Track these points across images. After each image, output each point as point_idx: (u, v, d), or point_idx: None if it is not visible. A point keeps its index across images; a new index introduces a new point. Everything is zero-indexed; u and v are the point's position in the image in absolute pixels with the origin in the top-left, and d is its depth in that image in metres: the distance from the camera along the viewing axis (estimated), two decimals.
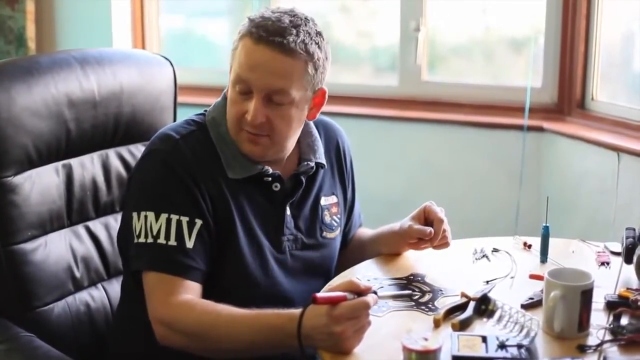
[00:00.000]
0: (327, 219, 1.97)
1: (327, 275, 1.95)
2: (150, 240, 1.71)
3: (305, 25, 1.77)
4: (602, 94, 3.35)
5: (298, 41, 1.74)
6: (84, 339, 1.95)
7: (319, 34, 1.80)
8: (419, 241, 1.95)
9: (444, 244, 1.96)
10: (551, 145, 3.38)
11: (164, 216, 1.72)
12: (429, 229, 1.91)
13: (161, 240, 1.71)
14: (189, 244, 1.72)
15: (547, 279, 1.60)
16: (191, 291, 1.70)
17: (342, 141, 2.06)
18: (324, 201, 1.96)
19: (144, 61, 2.19)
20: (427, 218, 1.95)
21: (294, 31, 1.74)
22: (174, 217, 1.72)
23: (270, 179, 1.84)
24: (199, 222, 1.74)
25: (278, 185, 1.86)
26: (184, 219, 1.72)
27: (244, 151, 1.81)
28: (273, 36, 1.72)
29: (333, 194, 2.00)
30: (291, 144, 1.87)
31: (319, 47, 1.79)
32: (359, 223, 2.16)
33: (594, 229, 3.11)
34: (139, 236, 1.73)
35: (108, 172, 2.06)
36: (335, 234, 1.99)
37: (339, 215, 2.00)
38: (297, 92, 1.77)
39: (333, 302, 1.51)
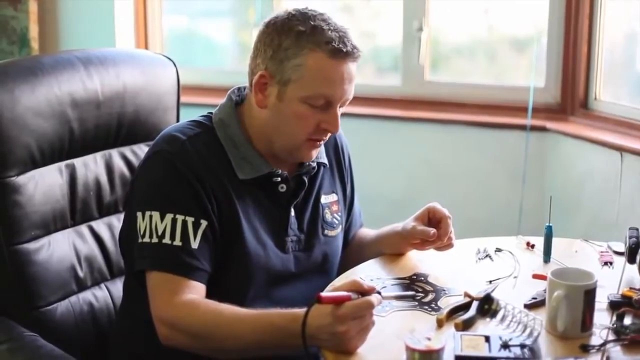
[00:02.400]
0: (328, 217, 1.97)
1: (330, 274, 1.96)
2: (155, 240, 1.72)
3: (348, 30, 1.81)
4: (605, 94, 3.35)
5: (358, 46, 1.79)
6: (88, 339, 1.95)
7: None
8: (422, 242, 1.95)
9: (447, 245, 1.96)
10: (554, 145, 3.38)
11: (169, 216, 1.72)
12: (432, 230, 1.91)
13: (166, 240, 1.71)
14: (194, 244, 1.72)
15: (550, 278, 1.60)
16: (195, 291, 1.70)
17: (340, 139, 2.07)
18: (324, 199, 1.97)
19: (147, 61, 2.20)
20: (431, 218, 1.95)
21: (351, 36, 1.79)
22: (180, 218, 1.72)
23: (279, 179, 1.85)
24: (204, 223, 1.74)
25: (284, 186, 1.86)
26: (189, 220, 1.73)
27: (304, 159, 1.86)
28: (349, 48, 1.75)
29: (333, 192, 2.01)
30: None
31: None
32: (359, 222, 2.16)
33: (597, 229, 3.11)
34: (143, 236, 1.73)
35: (111, 172, 2.06)
36: (337, 232, 2.00)
37: (339, 213, 2.01)
38: None
39: (337, 301, 1.51)
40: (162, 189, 1.76)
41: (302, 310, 1.53)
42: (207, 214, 1.75)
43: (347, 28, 1.80)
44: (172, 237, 1.71)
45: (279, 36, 1.77)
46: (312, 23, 1.76)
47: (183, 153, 1.77)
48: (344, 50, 1.74)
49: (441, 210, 1.95)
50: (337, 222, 2.00)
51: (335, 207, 2.00)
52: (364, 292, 1.54)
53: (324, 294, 1.51)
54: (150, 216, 1.73)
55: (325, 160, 1.96)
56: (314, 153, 1.86)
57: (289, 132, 1.80)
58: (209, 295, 1.72)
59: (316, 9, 1.81)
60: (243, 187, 1.81)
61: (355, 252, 2.09)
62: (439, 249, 1.97)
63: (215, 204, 1.76)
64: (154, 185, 1.78)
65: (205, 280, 1.73)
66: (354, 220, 2.13)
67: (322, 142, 1.85)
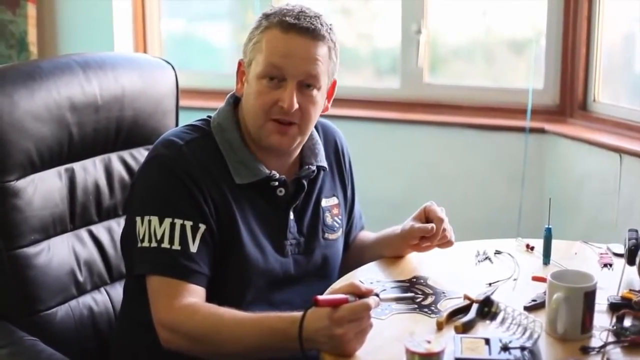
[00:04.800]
0: (329, 220, 1.97)
1: (330, 277, 1.96)
2: (154, 244, 1.72)
3: (321, 16, 1.83)
4: (604, 96, 3.35)
5: (324, 29, 1.80)
6: (87, 343, 1.95)
7: (331, 25, 1.85)
8: (422, 240, 1.95)
9: (447, 243, 1.96)
10: (553, 147, 3.38)
11: (167, 221, 1.72)
12: (430, 225, 1.91)
13: (165, 244, 1.71)
14: (193, 248, 1.72)
15: (550, 280, 1.60)
16: (195, 295, 1.70)
17: (340, 141, 2.07)
18: (324, 203, 1.97)
19: (146, 65, 2.20)
20: (427, 218, 1.96)
21: (318, 20, 1.80)
22: (178, 222, 1.72)
23: (276, 183, 1.85)
24: (202, 227, 1.74)
25: (283, 190, 1.86)
26: (188, 224, 1.73)
27: (270, 143, 1.82)
28: (303, 23, 1.77)
29: (334, 195, 2.01)
30: (307, 136, 1.89)
31: (335, 36, 1.85)
32: (360, 225, 2.16)
33: (596, 231, 3.11)
34: (142, 240, 1.73)
35: (110, 176, 2.06)
36: (337, 235, 2.00)
37: (340, 217, 2.01)
38: (324, 77, 1.83)
39: (334, 304, 1.51)
40: (161, 193, 1.76)
41: (300, 314, 1.53)
42: (206, 218, 1.75)
43: (319, 14, 1.82)
44: (171, 242, 1.72)
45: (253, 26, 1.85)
46: (276, 7, 1.82)
47: (181, 158, 1.77)
48: (298, 25, 1.77)
49: (435, 211, 1.95)
50: (337, 225, 2.00)
51: (335, 211, 2.00)
52: (361, 294, 1.54)
53: (321, 296, 1.51)
54: (149, 221, 1.73)
55: (324, 163, 1.96)
56: (283, 139, 1.82)
57: (253, 112, 1.82)
58: (209, 298, 1.73)
59: (299, 4, 1.85)
60: (241, 191, 1.81)
61: (355, 255, 2.09)
62: (439, 246, 1.97)
63: (213, 208, 1.76)
64: (152, 190, 1.78)
65: (204, 284, 1.74)
66: (355, 223, 2.13)
67: (285, 126, 1.80)
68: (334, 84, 1.91)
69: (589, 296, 1.58)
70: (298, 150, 1.91)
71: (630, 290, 1.76)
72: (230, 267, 1.79)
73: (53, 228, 1.91)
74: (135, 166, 2.09)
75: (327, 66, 1.83)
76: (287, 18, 1.78)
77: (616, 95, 3.39)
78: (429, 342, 1.44)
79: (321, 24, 1.80)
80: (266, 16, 1.82)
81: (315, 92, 1.81)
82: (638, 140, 3.07)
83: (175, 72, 2.22)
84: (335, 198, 2.01)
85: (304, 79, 1.79)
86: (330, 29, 1.83)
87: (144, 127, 2.12)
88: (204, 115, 1.91)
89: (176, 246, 1.72)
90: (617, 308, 1.68)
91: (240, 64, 1.89)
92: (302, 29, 1.77)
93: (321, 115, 1.93)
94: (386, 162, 3.64)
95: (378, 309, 1.59)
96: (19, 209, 1.83)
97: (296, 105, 1.78)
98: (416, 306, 1.73)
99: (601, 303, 1.68)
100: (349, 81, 3.81)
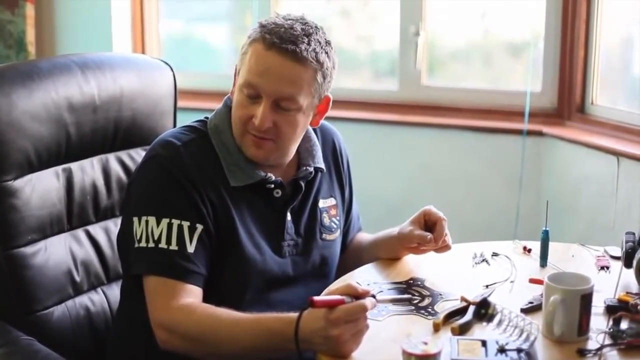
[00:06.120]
0: (326, 221, 1.97)
1: (328, 278, 1.96)
2: (151, 244, 1.72)
3: (316, 34, 1.80)
4: (602, 98, 3.35)
5: (309, 50, 1.76)
6: (84, 343, 1.95)
7: (328, 43, 1.83)
8: (419, 245, 1.95)
9: (445, 247, 1.96)
10: (551, 149, 3.38)
11: (165, 221, 1.72)
12: (429, 235, 1.91)
13: (162, 244, 1.71)
14: (190, 248, 1.72)
15: (547, 283, 1.60)
16: (192, 295, 1.70)
17: (338, 142, 2.07)
18: (322, 204, 1.97)
19: (144, 66, 2.20)
20: (427, 221, 1.96)
21: (306, 39, 1.77)
22: (175, 222, 1.73)
23: (272, 185, 1.85)
24: (199, 227, 1.74)
25: (279, 191, 1.87)
26: (185, 224, 1.73)
27: (247, 155, 1.82)
28: (285, 43, 1.74)
29: (331, 196, 2.01)
30: (293, 149, 1.88)
31: (328, 56, 1.81)
32: (357, 227, 2.16)
33: (593, 233, 3.11)
34: (139, 240, 1.73)
35: (108, 177, 2.06)
36: (335, 236, 2.00)
37: (338, 217, 2.01)
38: (305, 99, 1.79)
39: (331, 305, 1.51)
40: (158, 193, 1.77)
41: (296, 314, 1.53)
42: (203, 218, 1.75)
43: (312, 31, 1.79)
44: (169, 242, 1.72)
45: None
46: (272, 19, 1.81)
47: (178, 158, 1.77)
48: (279, 45, 1.75)
49: (436, 213, 1.95)
50: (335, 226, 2.00)
51: (333, 211, 2.00)
52: (358, 295, 1.54)
53: (317, 297, 1.51)
54: (147, 221, 1.73)
55: (322, 165, 1.96)
56: (259, 152, 1.81)
57: (234, 121, 1.83)
58: (206, 299, 1.73)
59: (305, 16, 1.83)
60: (238, 192, 1.81)
61: (352, 256, 2.09)
62: (436, 251, 1.97)
63: (210, 208, 1.77)
64: (150, 190, 1.78)
65: (201, 284, 1.74)
66: (352, 224, 2.13)
67: (260, 140, 1.79)
68: (326, 100, 1.89)
69: (586, 299, 1.58)
70: (288, 159, 1.90)
71: (627, 292, 1.76)
72: (229, 268, 1.79)
73: (50, 228, 1.91)
74: (132, 167, 2.09)
75: (309, 88, 1.79)
76: (272, 36, 1.75)
77: (614, 98, 3.39)
78: (425, 343, 1.44)
79: (308, 43, 1.76)
80: (260, 26, 1.80)
81: (293, 112, 1.79)
82: (635, 143, 3.07)
83: (173, 73, 2.22)
84: (332, 199, 2.01)
85: (277, 98, 1.77)
86: (321, 48, 1.79)
87: (141, 128, 2.12)
88: (201, 117, 1.91)
89: (173, 246, 1.72)
90: (614, 310, 1.68)
91: (236, 68, 1.88)
92: (282, 49, 1.75)
93: None
94: (384, 164, 3.64)
95: (375, 310, 1.59)
96: (16, 208, 1.83)
97: (268, 124, 1.77)
98: (413, 308, 1.73)
99: (598, 305, 1.68)
100: (347, 83, 3.81)
